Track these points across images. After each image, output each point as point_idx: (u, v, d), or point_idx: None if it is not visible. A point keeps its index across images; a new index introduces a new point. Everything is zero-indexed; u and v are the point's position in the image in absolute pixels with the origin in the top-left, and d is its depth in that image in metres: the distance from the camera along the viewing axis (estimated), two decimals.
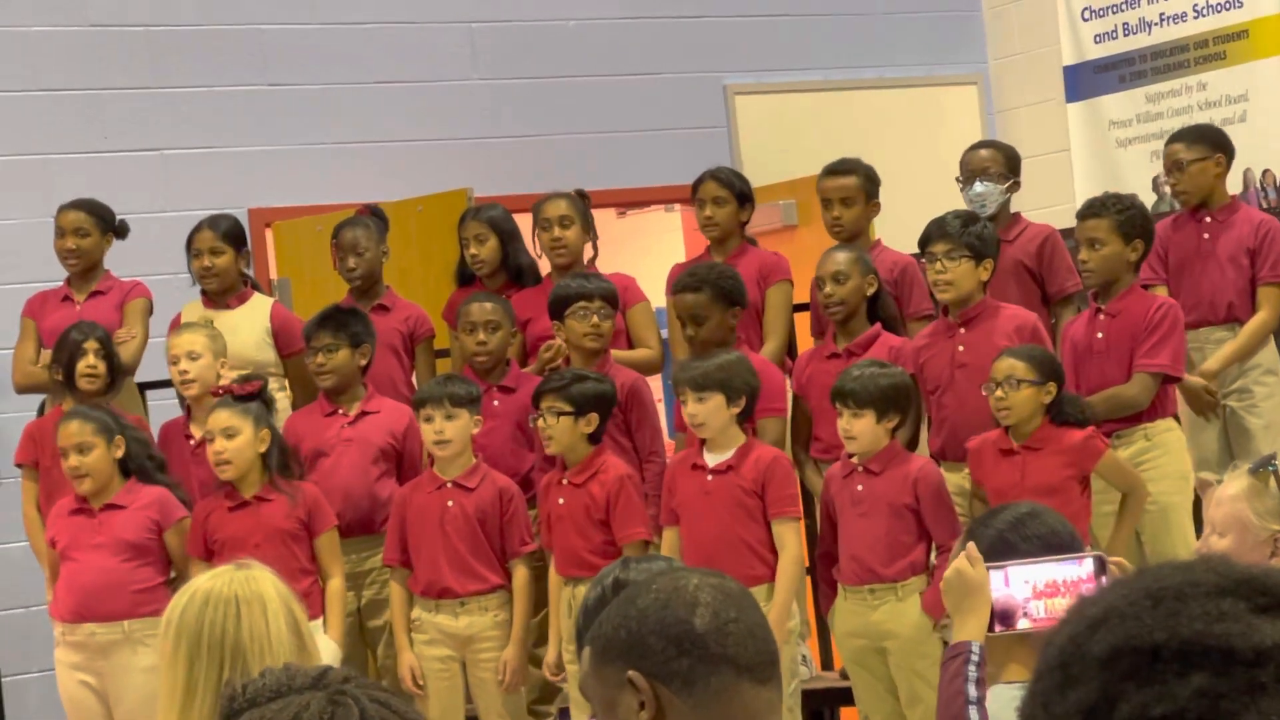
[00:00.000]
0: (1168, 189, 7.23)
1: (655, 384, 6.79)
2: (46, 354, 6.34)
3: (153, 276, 6.88)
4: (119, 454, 5.74)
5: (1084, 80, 8.97)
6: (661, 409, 6.58)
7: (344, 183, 8.03)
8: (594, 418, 5.61)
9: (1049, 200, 8.31)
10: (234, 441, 5.66)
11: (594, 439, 5.65)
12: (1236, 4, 8.38)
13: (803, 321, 6.61)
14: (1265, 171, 8.21)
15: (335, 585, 5.71)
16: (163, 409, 6.65)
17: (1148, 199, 8.49)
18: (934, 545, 5.38)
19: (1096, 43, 8.94)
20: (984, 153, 6.53)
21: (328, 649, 5.36)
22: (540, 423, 5.62)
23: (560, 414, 5.58)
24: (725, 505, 5.45)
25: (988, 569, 2.96)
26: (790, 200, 8.25)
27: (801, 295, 6.50)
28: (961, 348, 5.78)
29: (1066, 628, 1.27)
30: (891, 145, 8.59)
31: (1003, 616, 2.95)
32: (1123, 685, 1.20)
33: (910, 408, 5.58)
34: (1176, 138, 6.55)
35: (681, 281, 5.98)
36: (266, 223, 8.00)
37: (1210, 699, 1.17)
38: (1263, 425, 6.25)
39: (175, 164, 7.93)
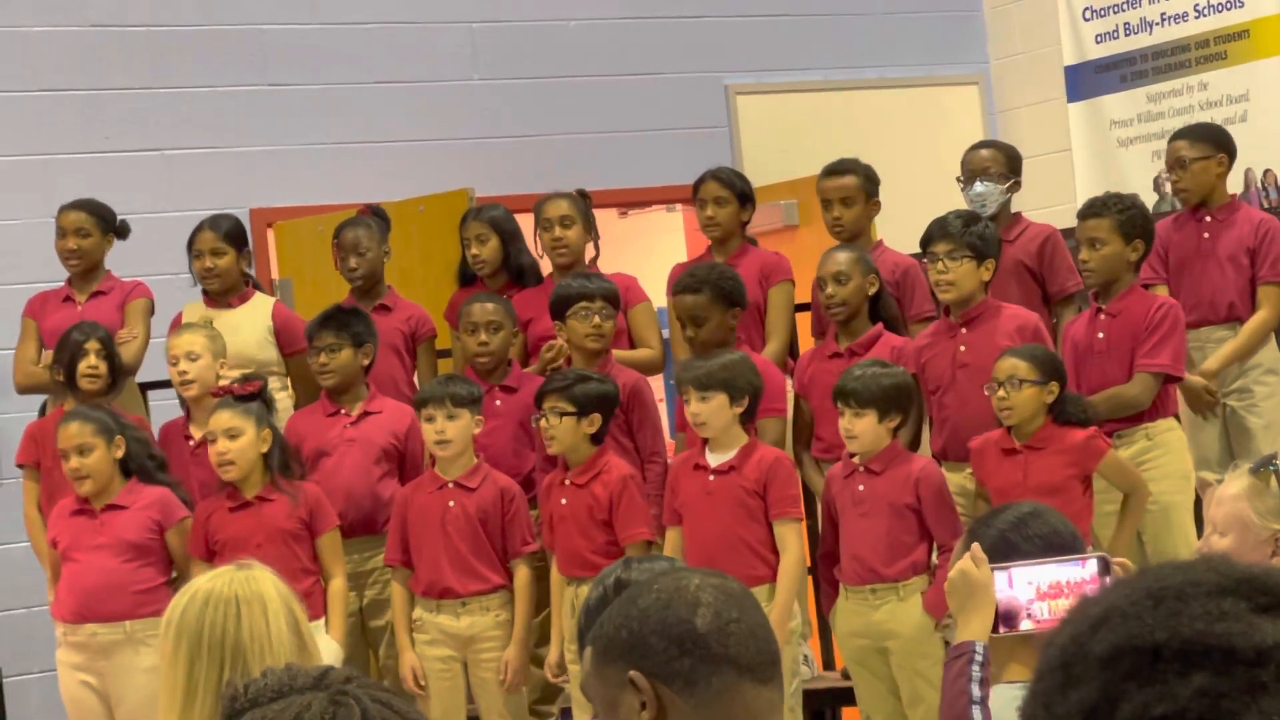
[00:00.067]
0: (1168, 186, 7.23)
1: (656, 384, 6.79)
2: (48, 354, 6.34)
3: (154, 277, 6.88)
4: (119, 454, 5.74)
5: (1085, 80, 8.97)
6: (662, 408, 6.58)
7: (345, 183, 8.04)
8: (596, 418, 5.61)
9: (1050, 200, 8.30)
10: (237, 442, 5.66)
11: (596, 439, 5.65)
12: (1237, 4, 8.38)
13: (804, 321, 6.61)
14: (1266, 171, 8.21)
15: (337, 585, 5.71)
16: (164, 409, 6.65)
17: (1149, 199, 8.49)
18: (935, 545, 5.38)
19: (1097, 42, 8.94)
20: (984, 153, 6.53)
21: (329, 649, 5.36)
22: (543, 423, 5.62)
23: (563, 414, 5.58)
24: (727, 506, 5.45)
25: (992, 570, 2.96)
26: (791, 200, 8.26)
27: (803, 295, 6.50)
28: (963, 348, 5.78)
29: (1068, 627, 1.27)
30: (893, 145, 8.59)
31: (1006, 617, 2.95)
32: (1124, 685, 1.20)
33: (912, 408, 5.58)
34: (1180, 135, 6.55)
35: (681, 283, 5.98)
36: (268, 223, 8.00)
37: (1211, 698, 1.18)
38: (1263, 425, 6.25)
39: (176, 164, 7.93)
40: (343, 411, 6.12)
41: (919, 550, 5.38)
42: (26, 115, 7.71)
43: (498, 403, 6.14)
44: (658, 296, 6.53)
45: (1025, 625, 2.94)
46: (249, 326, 6.48)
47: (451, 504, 5.75)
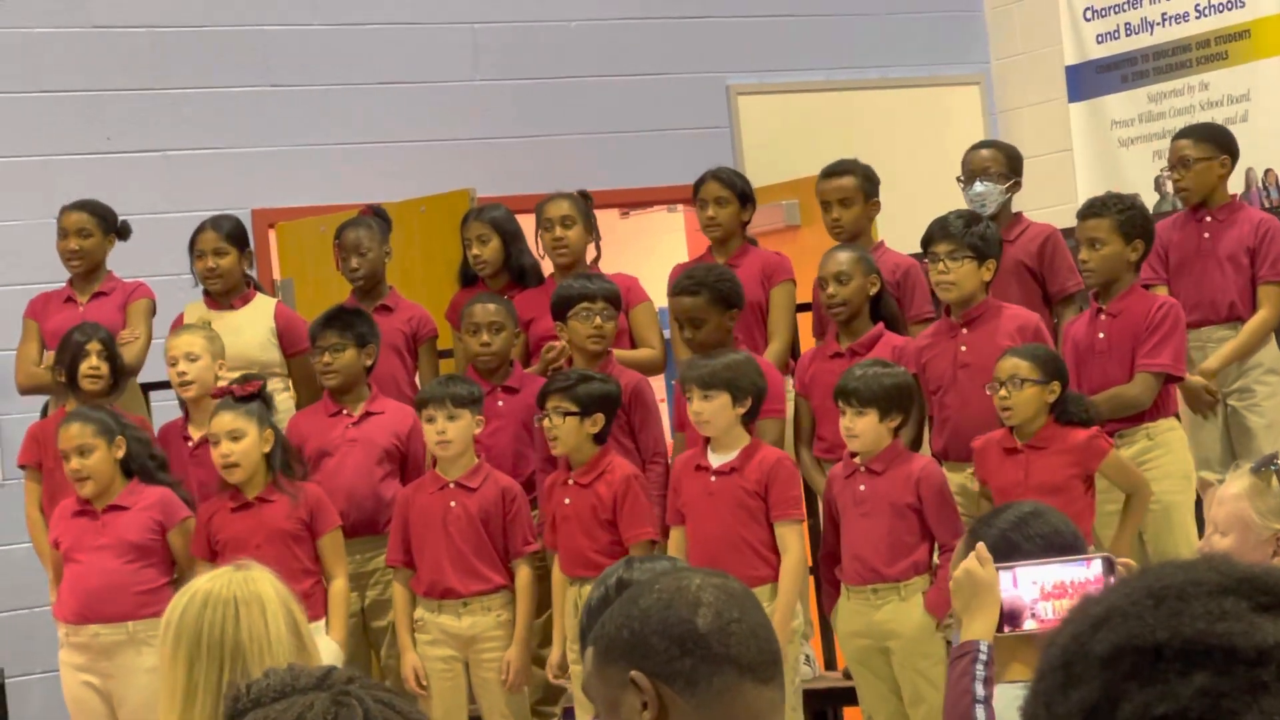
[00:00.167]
0: (1169, 186, 7.23)
1: (656, 384, 6.79)
2: (49, 355, 6.35)
3: (155, 277, 6.88)
4: (120, 455, 5.74)
5: (1086, 80, 8.97)
6: (662, 409, 6.58)
7: (347, 183, 8.04)
8: (600, 418, 5.61)
9: (1051, 200, 8.31)
10: (240, 444, 5.66)
11: (599, 439, 5.65)
12: (1238, 4, 8.38)
13: (805, 321, 6.61)
14: (1267, 171, 8.21)
15: (338, 586, 5.71)
16: (166, 410, 6.66)
17: (1150, 199, 8.49)
18: (937, 545, 5.38)
19: (1099, 43, 8.94)
20: (985, 153, 6.54)
21: (329, 650, 5.36)
22: (546, 423, 5.62)
23: (566, 414, 5.58)
24: (728, 506, 5.45)
25: (996, 569, 2.96)
26: (793, 200, 8.26)
27: (804, 295, 6.50)
28: (964, 348, 5.78)
29: (1069, 627, 1.27)
30: (894, 145, 8.60)
31: (1010, 617, 2.95)
32: (1125, 684, 1.20)
33: (913, 407, 5.58)
34: (1184, 134, 6.55)
35: (679, 284, 5.98)
36: (270, 223, 8.00)
37: (1212, 698, 1.18)
38: (1264, 424, 6.25)
39: (178, 165, 7.94)
40: (345, 412, 6.12)
41: (920, 550, 5.38)
42: (28, 116, 7.71)
43: (499, 403, 6.15)
44: (659, 297, 6.53)
45: (1029, 625, 2.94)
46: (251, 327, 6.48)
47: (453, 504, 5.75)
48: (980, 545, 3.01)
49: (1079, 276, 6.15)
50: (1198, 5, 8.54)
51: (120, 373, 6.16)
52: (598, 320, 6.00)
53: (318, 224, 7.59)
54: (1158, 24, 8.71)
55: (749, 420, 5.51)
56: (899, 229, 6.81)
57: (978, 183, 6.40)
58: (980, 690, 2.95)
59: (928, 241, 5.86)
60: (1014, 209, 6.49)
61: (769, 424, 5.76)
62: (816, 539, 5.90)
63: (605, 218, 7.08)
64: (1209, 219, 6.43)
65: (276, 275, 7.94)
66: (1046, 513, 3.19)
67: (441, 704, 5.74)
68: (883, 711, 5.49)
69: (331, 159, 8.15)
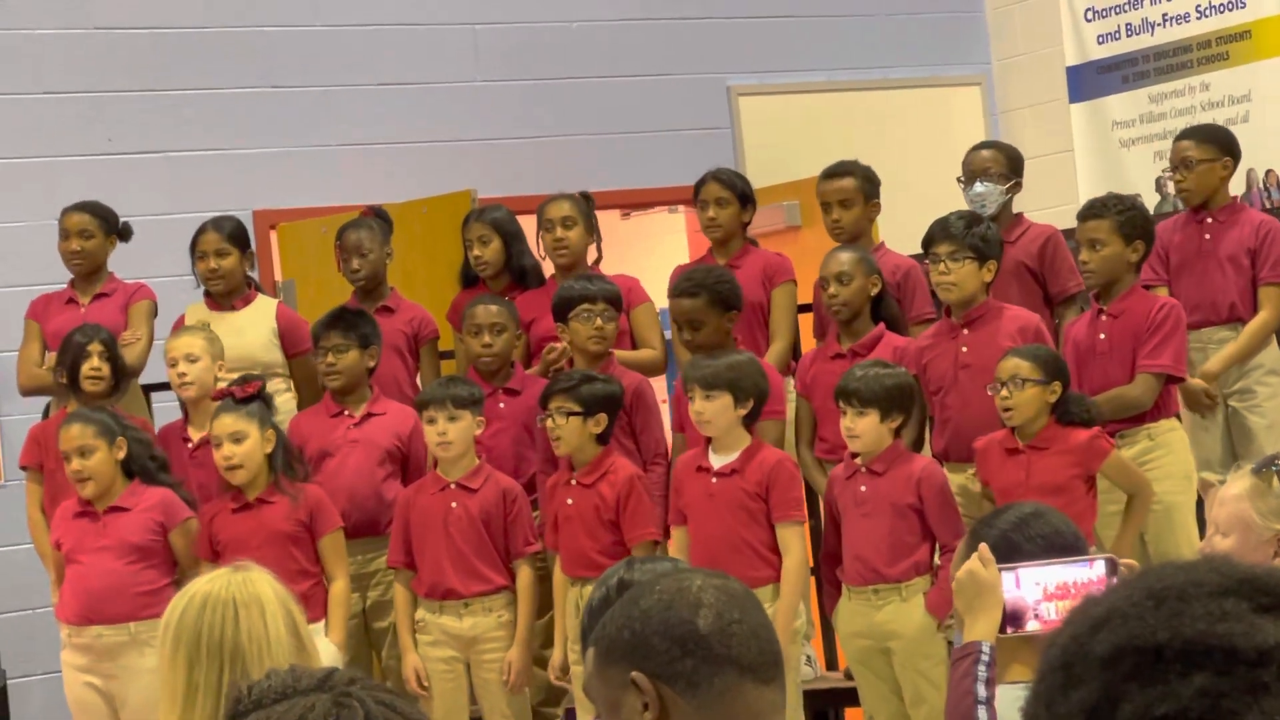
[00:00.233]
0: (1171, 186, 7.23)
1: (657, 384, 6.79)
2: (51, 356, 6.35)
3: (157, 279, 6.89)
4: (121, 456, 5.74)
5: (1087, 81, 8.97)
6: (663, 409, 6.58)
7: (348, 184, 8.04)
8: (603, 418, 5.62)
9: (1052, 201, 8.31)
10: (243, 446, 5.66)
11: (602, 439, 5.66)
12: (1239, 4, 8.39)
13: (806, 322, 6.61)
14: (1268, 171, 8.21)
15: (338, 588, 5.71)
16: (167, 411, 6.66)
17: (1151, 199, 8.50)
18: (938, 546, 5.38)
19: (1099, 43, 8.94)
20: (985, 153, 6.54)
21: (327, 652, 5.36)
22: (549, 423, 5.62)
23: (569, 414, 5.58)
24: (729, 508, 5.45)
25: (999, 570, 2.96)
26: (794, 201, 8.26)
27: (805, 296, 6.50)
28: (965, 349, 5.78)
29: (1069, 628, 1.27)
30: (895, 146, 8.60)
31: (1013, 618, 2.95)
32: (1125, 685, 1.21)
33: (913, 408, 5.58)
34: (1186, 135, 6.55)
35: (678, 286, 5.99)
36: (271, 224, 8.01)
37: (1212, 699, 1.18)
38: (1265, 425, 6.25)
39: (179, 166, 7.94)
40: (346, 413, 6.13)
41: (921, 550, 5.38)
42: (29, 117, 7.72)
43: (501, 404, 6.15)
44: (660, 298, 6.53)
45: (1032, 626, 2.94)
46: (253, 328, 6.49)
47: (454, 505, 5.75)
48: (983, 546, 3.01)
49: (1080, 277, 6.15)
50: (1198, 6, 8.54)
51: (121, 374, 6.16)
52: (599, 321, 6.00)
53: (319, 225, 7.60)
54: (1158, 25, 8.71)
55: (750, 422, 5.51)
56: (900, 229, 6.81)
57: (978, 183, 6.40)
58: (982, 691, 2.95)
59: (929, 242, 5.86)
60: (1015, 210, 6.49)
61: (769, 425, 5.76)
62: (818, 539, 5.90)
63: (606, 218, 7.09)
64: (1210, 220, 6.43)
65: (278, 276, 7.94)
66: (1047, 513, 3.20)
67: (443, 705, 5.74)
68: (884, 712, 5.49)
69: (333, 160, 8.16)
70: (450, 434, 5.71)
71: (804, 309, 6.54)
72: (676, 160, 8.38)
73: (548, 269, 6.70)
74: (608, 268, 6.63)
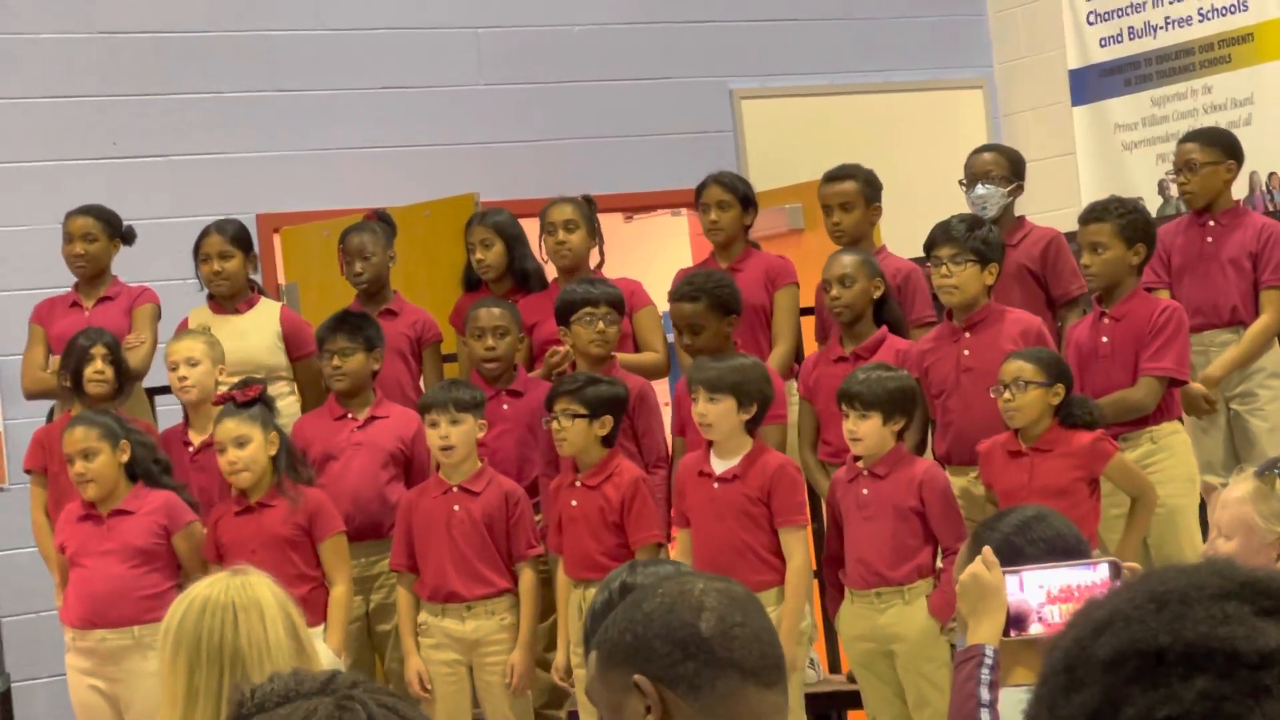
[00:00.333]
0: (1174, 189, 7.23)
1: (659, 387, 6.79)
2: (55, 360, 6.36)
3: (160, 282, 6.89)
4: (125, 459, 5.75)
5: (1089, 84, 8.97)
6: (664, 412, 6.59)
7: (351, 188, 8.05)
8: (608, 420, 5.62)
9: (1055, 204, 8.31)
10: (247, 450, 5.67)
11: (607, 442, 5.66)
12: (1242, 7, 8.39)
13: (808, 325, 6.61)
14: (1271, 174, 8.21)
15: (338, 593, 5.70)
16: (171, 414, 6.66)
17: (1153, 202, 8.50)
18: (940, 548, 5.37)
19: (1102, 46, 8.95)
20: (987, 156, 6.54)
21: (325, 657, 5.35)
22: (554, 425, 5.62)
23: (575, 416, 5.59)
24: (732, 513, 5.45)
25: (1003, 573, 2.96)
26: (796, 204, 8.26)
27: (807, 299, 6.50)
28: (967, 352, 5.78)
29: (1072, 631, 1.27)
30: (898, 149, 8.60)
31: (1016, 621, 2.95)
32: (1127, 688, 1.21)
33: (916, 410, 5.58)
34: (1191, 137, 6.55)
35: (678, 290, 6.00)
36: (274, 228, 8.01)
37: (1214, 702, 1.18)
38: (1267, 428, 6.25)
39: (182, 170, 7.95)
40: (350, 416, 6.13)
41: (924, 553, 5.38)
42: (34, 121, 7.72)
43: (504, 407, 6.15)
44: (663, 301, 6.53)
45: (1035, 629, 2.94)
46: (257, 331, 6.49)
47: (456, 508, 5.75)
48: (986, 549, 3.01)
49: (1082, 280, 6.15)
50: (1201, 9, 8.54)
51: (125, 377, 6.17)
52: (601, 325, 6.01)
53: (322, 228, 7.60)
54: (1161, 27, 8.71)
55: (753, 427, 5.51)
56: (903, 232, 6.81)
57: (980, 186, 6.40)
58: (985, 694, 2.95)
59: (930, 245, 5.86)
60: (1017, 213, 6.49)
61: (770, 429, 5.76)
62: (821, 542, 5.90)
63: (609, 222, 7.09)
64: (1212, 223, 6.43)
65: (281, 280, 7.95)
66: (1050, 516, 3.19)
67: (445, 708, 5.74)
68: (887, 715, 5.49)
69: (336, 164, 8.16)
70: (452, 437, 5.71)
71: (806, 312, 6.54)
72: (678, 163, 8.39)
73: (550, 272, 6.71)
74: (610, 271, 6.63)
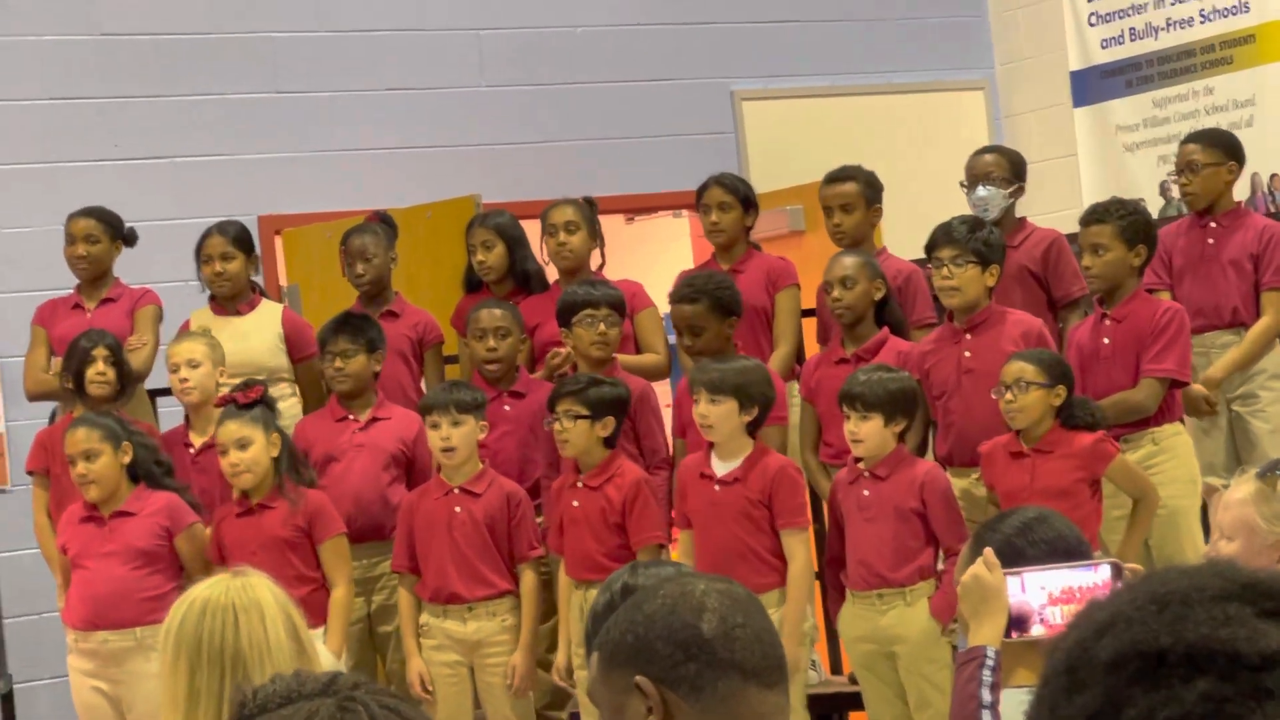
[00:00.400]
0: (1175, 190, 7.23)
1: (660, 389, 6.79)
2: (57, 362, 6.36)
3: (162, 284, 6.90)
4: (126, 460, 5.75)
5: (1091, 85, 8.97)
6: (665, 413, 6.59)
7: (353, 189, 8.05)
8: (610, 421, 5.62)
9: (1056, 205, 8.31)
10: (249, 451, 5.67)
11: (609, 443, 5.66)
12: (1243, 9, 8.39)
13: (809, 327, 6.62)
14: (1273, 175, 8.21)
15: (339, 595, 5.70)
16: (173, 416, 6.67)
17: (1155, 203, 8.50)
18: (941, 550, 5.38)
19: (1103, 48, 8.95)
20: (988, 157, 6.54)
21: (325, 659, 5.35)
22: (557, 426, 5.63)
23: (577, 417, 5.59)
24: (732, 516, 5.46)
25: (1004, 574, 2.96)
26: (797, 206, 8.26)
27: (809, 301, 6.50)
28: (968, 353, 5.78)
29: (1073, 632, 1.27)
30: (899, 150, 8.60)
31: (1018, 622, 2.95)
32: (1129, 690, 1.21)
33: (917, 412, 5.59)
34: (1193, 139, 6.55)
35: (679, 292, 6.00)
36: (276, 230, 8.02)
37: (1215, 703, 1.18)
38: (1269, 430, 6.25)
39: (185, 171, 7.95)
40: (351, 417, 6.14)
41: (925, 555, 5.38)
42: (36, 123, 7.73)
43: (505, 408, 6.15)
44: (664, 302, 6.54)
45: (1037, 630, 2.94)
46: (259, 333, 6.49)
47: (458, 510, 5.75)
48: (988, 550, 3.01)
49: (1083, 281, 6.15)
50: (1202, 10, 8.54)
51: (127, 379, 6.17)
52: (602, 326, 6.01)
53: (324, 230, 7.60)
54: (1162, 29, 8.71)
55: (754, 429, 5.51)
56: (904, 234, 6.81)
57: (981, 188, 6.40)
58: (987, 696, 2.95)
59: (931, 247, 5.86)
60: (1018, 214, 6.49)
61: (771, 431, 5.76)
62: (822, 544, 5.90)
63: (610, 223, 7.09)
64: (1214, 224, 6.43)
65: (283, 281, 7.95)
66: (1051, 518, 3.19)
67: (447, 709, 5.75)
68: (888, 716, 5.49)
69: (337, 165, 8.16)
70: (454, 439, 5.71)
71: (807, 313, 6.54)
72: (680, 165, 8.38)
73: (551, 274, 6.71)
74: (611, 272, 6.63)
